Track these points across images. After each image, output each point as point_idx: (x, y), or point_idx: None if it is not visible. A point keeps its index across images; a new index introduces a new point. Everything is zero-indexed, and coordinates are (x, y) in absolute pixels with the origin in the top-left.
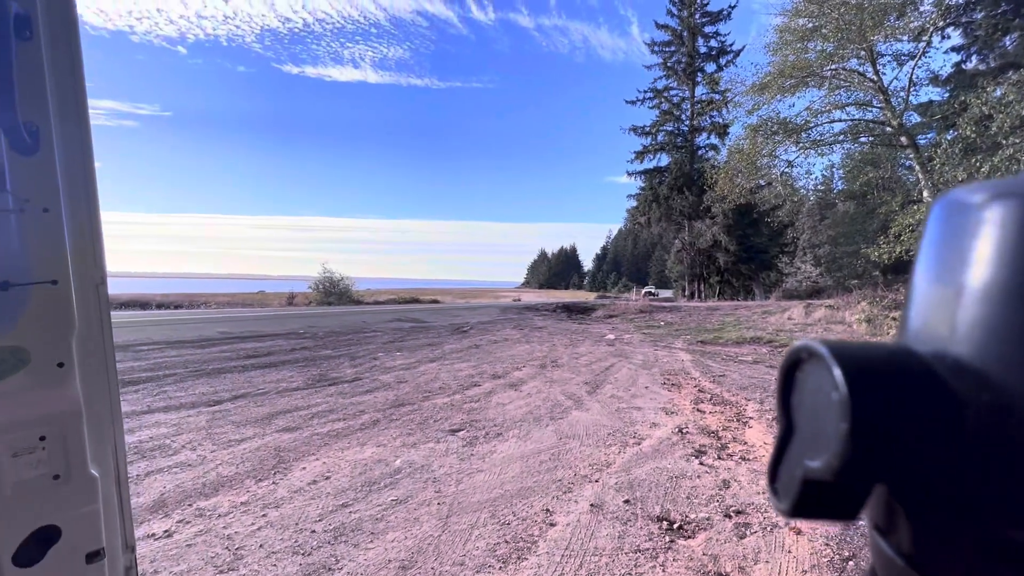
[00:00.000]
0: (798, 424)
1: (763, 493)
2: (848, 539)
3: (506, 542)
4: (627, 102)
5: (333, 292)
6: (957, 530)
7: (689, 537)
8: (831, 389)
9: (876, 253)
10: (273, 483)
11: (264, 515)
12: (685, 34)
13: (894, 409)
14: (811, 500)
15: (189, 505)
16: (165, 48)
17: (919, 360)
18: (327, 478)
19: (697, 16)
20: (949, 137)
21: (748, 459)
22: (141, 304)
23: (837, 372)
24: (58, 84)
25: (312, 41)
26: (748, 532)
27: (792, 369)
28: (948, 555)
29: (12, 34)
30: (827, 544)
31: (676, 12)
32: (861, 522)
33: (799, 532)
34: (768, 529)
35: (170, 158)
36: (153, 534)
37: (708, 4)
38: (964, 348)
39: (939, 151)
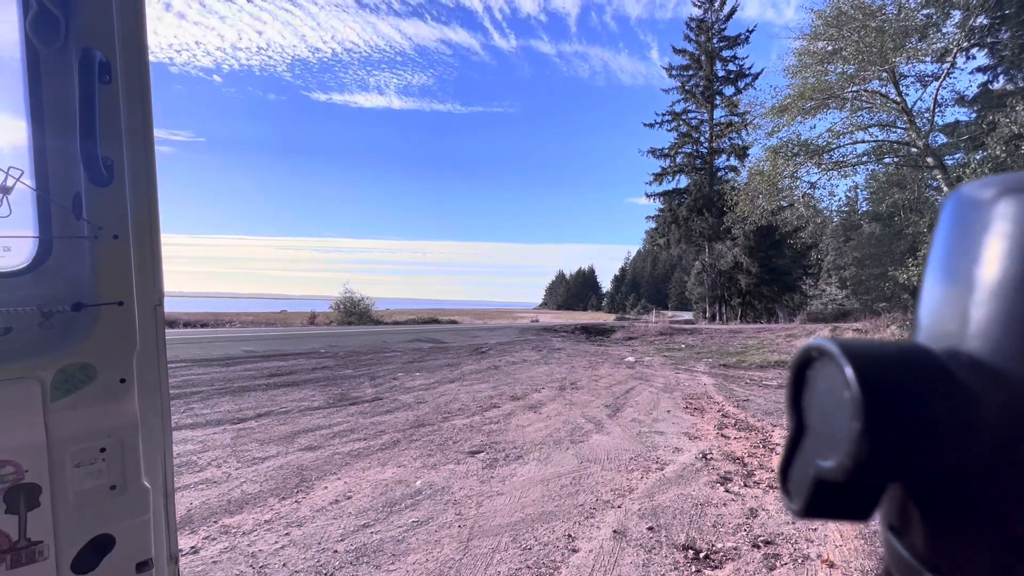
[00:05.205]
0: (809, 424)
1: (793, 523)
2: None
3: (528, 567)
4: (645, 125)
5: (354, 312)
6: (974, 530)
7: (716, 567)
8: (843, 388)
9: (905, 275)
10: (296, 502)
11: (287, 534)
12: (703, 58)
13: (908, 407)
14: (824, 500)
15: (215, 522)
16: (201, 78)
17: (932, 357)
18: (348, 498)
19: (715, 41)
20: (978, 157)
21: (776, 487)
22: (169, 323)
23: (849, 370)
24: (130, 121)
25: (340, 70)
26: (778, 564)
27: (803, 368)
28: (965, 555)
29: (96, 80)
30: None
31: (694, 37)
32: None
33: (832, 564)
34: (799, 561)
35: (202, 182)
36: (180, 550)
37: (726, 29)
38: (979, 345)
39: (967, 171)
